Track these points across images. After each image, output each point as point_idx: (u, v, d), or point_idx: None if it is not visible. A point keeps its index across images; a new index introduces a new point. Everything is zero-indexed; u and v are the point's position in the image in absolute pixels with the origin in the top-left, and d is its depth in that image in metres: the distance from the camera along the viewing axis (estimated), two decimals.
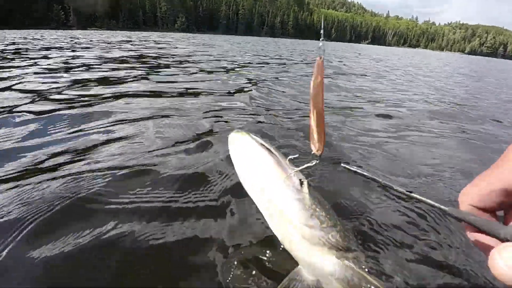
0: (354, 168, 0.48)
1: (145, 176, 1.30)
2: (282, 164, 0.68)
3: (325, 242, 0.64)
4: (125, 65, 5.30)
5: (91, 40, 13.82)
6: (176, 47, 11.54)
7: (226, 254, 0.87)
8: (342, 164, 0.52)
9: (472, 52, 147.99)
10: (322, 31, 0.50)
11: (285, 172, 0.67)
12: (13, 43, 9.82)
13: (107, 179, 1.23)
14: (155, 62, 6.09)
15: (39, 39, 13.52)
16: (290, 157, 0.59)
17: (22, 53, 6.68)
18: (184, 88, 3.43)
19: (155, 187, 1.22)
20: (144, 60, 6.40)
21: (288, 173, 0.67)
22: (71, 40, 13.32)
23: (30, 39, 13.24)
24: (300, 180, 0.68)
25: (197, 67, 5.43)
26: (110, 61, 5.86)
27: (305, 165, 0.55)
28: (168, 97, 2.92)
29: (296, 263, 0.69)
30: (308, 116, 0.48)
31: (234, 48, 13.42)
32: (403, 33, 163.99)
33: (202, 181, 1.28)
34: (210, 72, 4.88)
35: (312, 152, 0.52)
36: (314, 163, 0.54)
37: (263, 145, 0.71)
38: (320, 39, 0.48)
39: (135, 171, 1.33)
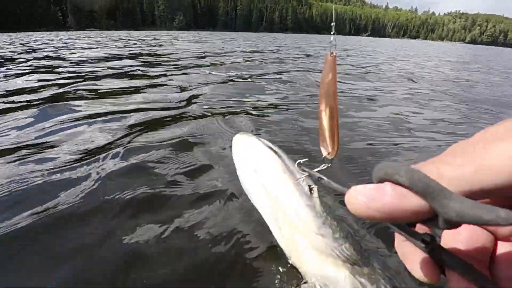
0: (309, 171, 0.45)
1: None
2: (291, 169, 0.64)
3: (339, 255, 0.59)
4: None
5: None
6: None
7: (226, 269, 0.78)
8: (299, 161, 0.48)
9: (473, 41, 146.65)
10: (333, 23, 0.45)
11: (294, 177, 0.63)
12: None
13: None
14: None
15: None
16: (298, 161, 0.55)
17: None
18: None
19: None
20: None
21: (297, 178, 0.62)
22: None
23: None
24: (309, 186, 0.64)
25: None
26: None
27: (315, 170, 0.47)
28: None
29: (302, 281, 0.63)
30: (318, 116, 0.43)
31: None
32: (402, 25, 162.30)
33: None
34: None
35: (323, 156, 0.46)
36: (325, 167, 0.47)
37: (270, 148, 0.67)
38: (331, 33, 0.43)
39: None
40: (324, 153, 0.46)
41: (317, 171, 0.45)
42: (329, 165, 0.46)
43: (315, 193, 0.63)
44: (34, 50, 8.23)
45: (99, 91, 3.13)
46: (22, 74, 4.09)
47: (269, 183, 0.63)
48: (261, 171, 0.65)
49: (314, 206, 0.61)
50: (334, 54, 0.42)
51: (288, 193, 0.61)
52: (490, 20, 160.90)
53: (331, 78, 0.43)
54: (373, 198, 0.19)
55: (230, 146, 1.60)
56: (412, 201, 0.18)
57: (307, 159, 0.52)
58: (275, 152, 0.66)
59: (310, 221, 0.60)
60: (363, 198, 0.19)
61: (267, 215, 0.66)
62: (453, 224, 0.18)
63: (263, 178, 0.64)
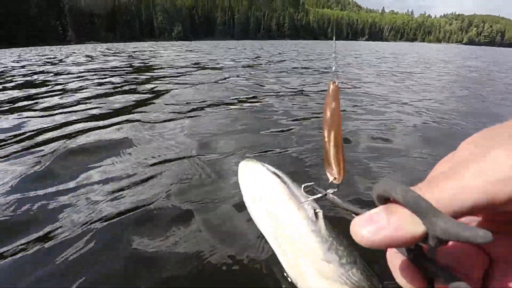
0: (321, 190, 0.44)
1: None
2: (295, 194, 0.65)
3: (346, 281, 0.58)
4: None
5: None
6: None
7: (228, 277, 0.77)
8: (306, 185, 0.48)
9: (470, 42, 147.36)
10: (334, 54, 0.43)
11: (299, 202, 0.63)
12: None
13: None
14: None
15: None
16: (304, 184, 0.53)
17: None
18: None
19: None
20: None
21: (302, 202, 0.63)
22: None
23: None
24: (315, 210, 0.64)
25: None
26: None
27: (321, 194, 0.47)
28: None
29: None
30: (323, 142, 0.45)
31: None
32: (399, 28, 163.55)
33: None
34: None
35: (330, 181, 0.47)
36: (332, 192, 0.46)
37: (275, 173, 0.68)
38: (333, 65, 0.41)
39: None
40: (331, 178, 0.47)
41: (323, 196, 0.45)
42: (335, 190, 0.46)
43: (321, 218, 0.63)
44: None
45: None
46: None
47: (274, 210, 0.64)
48: (265, 198, 0.66)
49: (320, 231, 0.61)
50: (337, 83, 0.42)
51: (293, 219, 0.61)
52: (487, 21, 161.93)
53: (334, 107, 0.44)
54: (374, 232, 0.21)
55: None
56: (407, 230, 0.20)
57: (313, 182, 0.49)
58: (279, 177, 0.67)
59: (315, 247, 0.59)
60: (365, 232, 0.21)
61: (272, 241, 0.66)
62: (440, 241, 0.19)
63: (267, 204, 0.65)
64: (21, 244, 0.91)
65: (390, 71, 6.04)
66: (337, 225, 0.68)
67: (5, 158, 1.62)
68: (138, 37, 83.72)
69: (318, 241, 0.59)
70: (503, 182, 0.18)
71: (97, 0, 73.78)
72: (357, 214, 0.27)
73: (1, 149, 1.77)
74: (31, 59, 11.19)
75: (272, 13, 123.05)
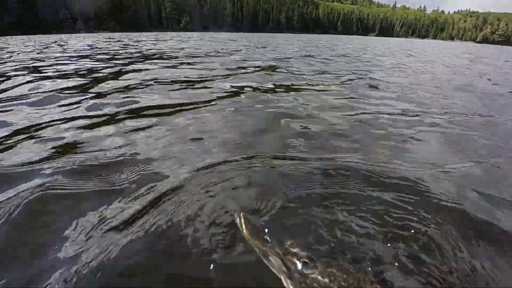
0: None
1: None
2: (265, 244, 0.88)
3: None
4: None
5: None
6: None
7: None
8: None
9: (484, 40, 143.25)
10: None
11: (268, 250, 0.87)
12: None
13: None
14: None
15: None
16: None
17: None
18: None
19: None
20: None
21: (268, 246, 0.87)
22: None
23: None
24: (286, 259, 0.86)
25: None
26: None
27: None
28: None
29: None
30: None
31: None
32: (411, 24, 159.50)
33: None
34: None
35: None
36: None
37: (253, 227, 0.93)
38: None
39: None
40: None
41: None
42: None
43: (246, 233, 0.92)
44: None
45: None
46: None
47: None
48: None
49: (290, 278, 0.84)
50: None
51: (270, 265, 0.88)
52: (502, 19, 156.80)
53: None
54: None
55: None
56: None
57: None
58: (249, 229, 0.92)
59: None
60: None
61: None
62: None
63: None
64: None
65: None
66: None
67: None
68: (146, 27, 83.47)
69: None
70: None
71: None
72: None
73: None
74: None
75: (281, 6, 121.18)
